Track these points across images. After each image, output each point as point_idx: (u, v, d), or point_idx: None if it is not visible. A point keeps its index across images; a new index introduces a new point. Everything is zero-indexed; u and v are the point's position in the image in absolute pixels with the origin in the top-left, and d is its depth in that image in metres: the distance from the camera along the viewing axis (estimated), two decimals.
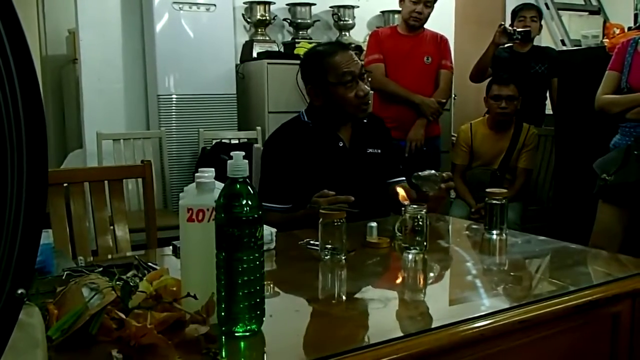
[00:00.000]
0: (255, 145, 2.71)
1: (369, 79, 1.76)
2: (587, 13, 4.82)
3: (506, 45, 3.27)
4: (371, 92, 1.75)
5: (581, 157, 2.66)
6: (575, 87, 2.86)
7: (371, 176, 1.75)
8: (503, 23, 3.30)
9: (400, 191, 1.37)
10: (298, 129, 1.77)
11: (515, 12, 3.41)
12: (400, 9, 3.02)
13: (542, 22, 3.54)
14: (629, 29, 2.89)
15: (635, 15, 3.61)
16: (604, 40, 2.86)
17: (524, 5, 3.43)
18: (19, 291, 0.48)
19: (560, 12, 4.53)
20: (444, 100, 2.95)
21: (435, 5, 2.96)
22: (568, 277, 1.18)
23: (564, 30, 4.45)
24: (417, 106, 2.87)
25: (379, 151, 1.79)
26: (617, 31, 2.76)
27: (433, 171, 1.52)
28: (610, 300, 1.06)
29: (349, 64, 1.69)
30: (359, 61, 1.73)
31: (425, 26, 3.01)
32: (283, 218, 1.63)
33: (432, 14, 2.96)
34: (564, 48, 4.08)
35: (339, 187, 1.56)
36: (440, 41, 3.01)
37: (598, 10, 4.78)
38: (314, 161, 1.70)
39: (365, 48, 3.18)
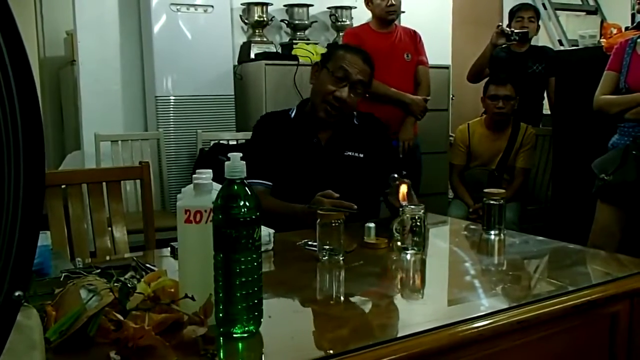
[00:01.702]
0: None
1: (359, 98, 1.73)
2: (584, 13, 4.84)
3: (504, 45, 3.28)
4: (349, 105, 1.72)
5: (579, 157, 2.66)
6: (573, 87, 2.86)
7: (346, 178, 1.68)
8: (501, 24, 3.31)
9: (400, 191, 1.37)
10: (281, 118, 1.81)
11: (512, 13, 3.42)
12: (369, 10, 3.01)
13: (540, 22, 3.54)
14: (626, 28, 2.89)
15: (633, 15, 3.62)
16: (601, 40, 2.87)
17: (521, 6, 3.44)
18: (17, 293, 0.48)
19: (557, 12, 4.55)
20: (429, 98, 2.95)
21: (434, 5, 2.97)
22: (566, 277, 1.18)
23: (561, 30, 4.47)
24: (406, 105, 2.86)
25: (361, 155, 1.75)
26: (615, 31, 2.77)
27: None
28: (609, 300, 1.06)
29: (351, 65, 1.70)
30: (363, 73, 1.71)
31: (411, 24, 3.01)
32: (281, 208, 1.64)
33: (429, 14, 2.96)
34: (562, 48, 4.09)
35: (310, 183, 1.58)
36: (415, 37, 3.01)
37: (595, 10, 4.80)
38: (288, 153, 1.73)
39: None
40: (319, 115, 1.73)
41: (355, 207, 1.43)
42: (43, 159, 0.46)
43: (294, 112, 1.82)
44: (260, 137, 1.78)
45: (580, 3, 4.84)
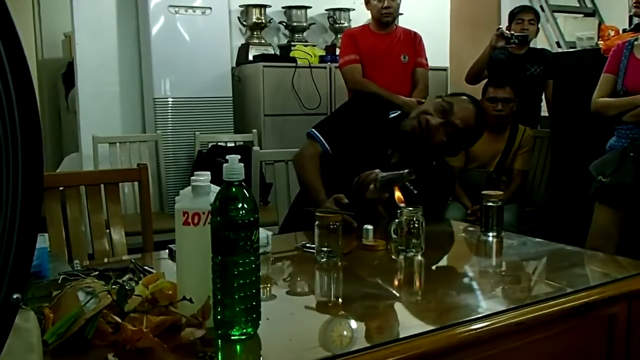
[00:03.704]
0: (254, 148, 2.71)
1: (444, 137, 1.65)
2: (582, 15, 4.84)
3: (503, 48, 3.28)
4: (432, 135, 1.64)
5: (577, 159, 2.66)
6: (571, 89, 2.87)
7: (388, 202, 1.55)
8: (501, 27, 3.31)
9: (397, 193, 1.37)
10: (381, 111, 1.81)
11: (513, 15, 3.42)
12: (368, 10, 3.02)
13: (539, 25, 3.55)
14: (624, 30, 2.90)
15: (630, 17, 3.62)
16: (598, 42, 2.87)
17: (522, 8, 3.44)
18: (15, 296, 0.48)
19: (555, 14, 4.55)
20: (423, 100, 2.95)
21: (431, 7, 2.98)
22: (564, 278, 1.18)
23: (559, 32, 4.47)
24: (399, 108, 2.85)
25: (415, 192, 1.67)
26: (612, 33, 2.77)
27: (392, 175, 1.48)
28: (607, 301, 1.07)
29: (460, 109, 1.65)
30: (464, 123, 1.64)
31: (409, 26, 3.01)
32: (311, 185, 1.64)
33: (427, 16, 2.96)
34: (559, 50, 4.10)
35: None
36: (415, 38, 3.01)
37: (593, 12, 4.80)
38: (361, 144, 1.70)
39: (339, 49, 3.17)
40: (403, 126, 1.69)
41: (355, 225, 1.43)
42: (41, 161, 0.46)
43: (394, 115, 1.79)
44: (355, 111, 1.79)
45: (578, 5, 4.85)
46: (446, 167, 1.82)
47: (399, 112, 1.81)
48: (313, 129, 1.77)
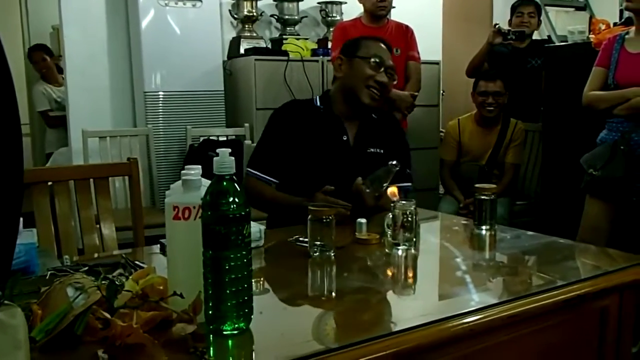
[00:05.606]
0: (246, 142, 2.70)
1: (394, 82, 1.76)
2: (573, 9, 4.86)
3: (501, 44, 3.28)
4: (389, 89, 1.75)
5: (568, 152, 2.67)
6: (562, 82, 2.88)
7: (367, 175, 1.62)
8: (498, 23, 3.31)
9: (391, 187, 1.37)
10: (308, 109, 1.78)
11: (514, 8, 3.41)
12: (361, 4, 3.00)
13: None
14: (615, 24, 2.90)
15: (621, 11, 3.63)
16: (590, 36, 2.88)
17: (522, 1, 3.44)
18: None
19: (547, 7, 4.56)
20: (417, 94, 2.94)
21: (424, 0, 2.97)
22: (556, 271, 1.18)
23: (550, 26, 4.49)
24: (392, 102, 2.84)
25: (382, 151, 1.73)
26: (603, 27, 2.78)
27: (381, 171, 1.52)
28: (598, 294, 1.07)
29: (383, 53, 1.73)
30: (391, 62, 1.75)
31: (401, 19, 3.00)
32: (279, 198, 1.66)
33: (419, 9, 2.95)
34: (551, 44, 4.11)
35: (332, 180, 1.57)
36: (406, 32, 3.00)
37: (584, 6, 4.82)
38: (314, 147, 1.70)
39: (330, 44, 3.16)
40: (364, 101, 1.70)
41: (350, 206, 1.44)
42: (21, 154, 0.45)
43: (319, 103, 1.78)
44: (283, 125, 1.74)
45: None
46: (382, 112, 1.89)
47: (317, 99, 1.81)
48: (250, 169, 1.73)
